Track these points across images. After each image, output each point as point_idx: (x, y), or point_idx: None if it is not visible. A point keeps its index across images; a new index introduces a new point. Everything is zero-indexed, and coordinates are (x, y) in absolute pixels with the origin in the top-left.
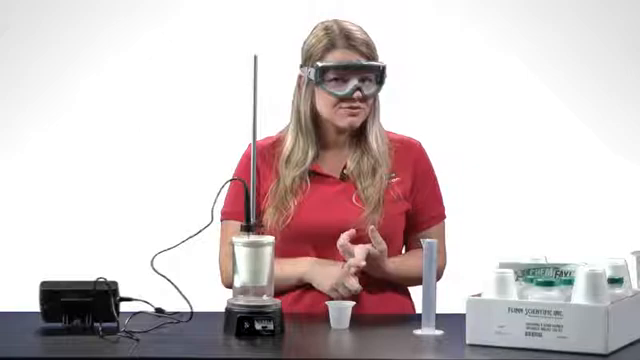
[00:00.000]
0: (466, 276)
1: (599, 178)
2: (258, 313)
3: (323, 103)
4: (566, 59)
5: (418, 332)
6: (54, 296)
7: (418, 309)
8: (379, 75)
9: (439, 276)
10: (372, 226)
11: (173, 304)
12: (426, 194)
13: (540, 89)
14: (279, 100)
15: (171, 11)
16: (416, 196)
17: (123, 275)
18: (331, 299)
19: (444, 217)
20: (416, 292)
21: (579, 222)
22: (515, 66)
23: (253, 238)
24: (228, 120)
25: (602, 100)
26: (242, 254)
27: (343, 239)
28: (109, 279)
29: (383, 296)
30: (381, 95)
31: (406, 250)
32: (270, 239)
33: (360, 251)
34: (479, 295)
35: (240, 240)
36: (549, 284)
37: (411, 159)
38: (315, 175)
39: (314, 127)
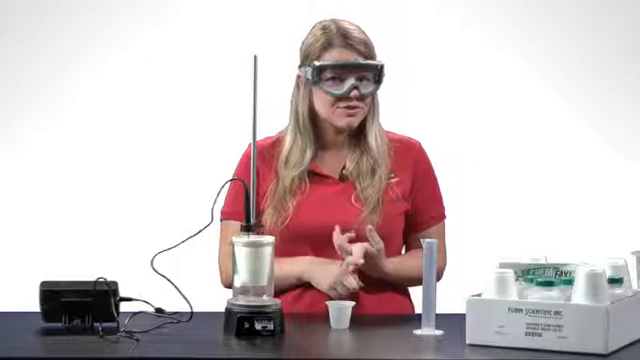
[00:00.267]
0: (466, 276)
1: (599, 178)
2: (258, 313)
3: (321, 103)
4: (566, 59)
5: (418, 332)
6: (54, 296)
7: (418, 309)
8: (377, 74)
9: (439, 276)
10: (370, 225)
11: (173, 304)
12: (426, 194)
13: (540, 89)
14: (279, 100)
15: (171, 11)
16: (416, 196)
17: (123, 275)
18: (331, 298)
19: (444, 217)
20: (416, 292)
21: (579, 222)
22: (515, 66)
23: (253, 238)
24: (228, 120)
25: (602, 100)
26: (242, 254)
27: (341, 239)
28: (109, 279)
29: (382, 296)
30: (380, 95)
31: (406, 250)
32: (270, 239)
33: (358, 249)
34: (479, 295)
35: (240, 240)
36: (549, 284)
37: (411, 159)
38: (314, 175)
39: (312, 127)
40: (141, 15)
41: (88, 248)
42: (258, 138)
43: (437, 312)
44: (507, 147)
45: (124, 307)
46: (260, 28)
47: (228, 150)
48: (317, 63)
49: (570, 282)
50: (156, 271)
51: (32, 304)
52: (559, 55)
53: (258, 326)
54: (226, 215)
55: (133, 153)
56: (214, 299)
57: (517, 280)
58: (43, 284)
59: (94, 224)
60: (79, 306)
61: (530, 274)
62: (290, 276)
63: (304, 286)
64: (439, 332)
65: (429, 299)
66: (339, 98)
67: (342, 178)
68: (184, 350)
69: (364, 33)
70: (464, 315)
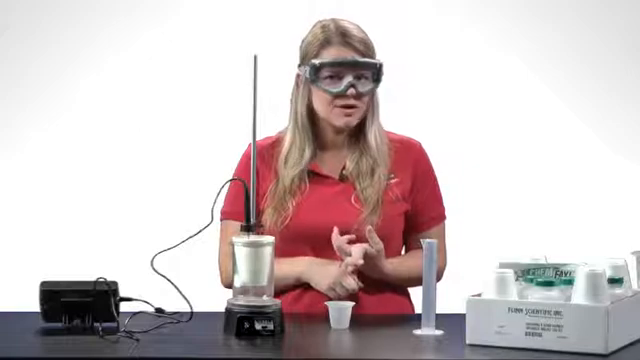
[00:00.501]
0: (466, 276)
1: (599, 178)
2: (258, 313)
3: (319, 101)
4: (566, 59)
5: (418, 332)
6: (54, 296)
7: (417, 309)
8: (375, 73)
9: (439, 277)
10: (369, 226)
11: (173, 304)
12: (426, 194)
13: (540, 89)
14: (279, 100)
15: (171, 11)
16: (416, 196)
17: (123, 275)
18: (330, 299)
19: (444, 218)
20: (416, 292)
21: (579, 222)
22: (515, 66)
23: (253, 238)
24: (228, 120)
25: (602, 100)
26: (242, 254)
27: (340, 240)
28: (109, 279)
29: (382, 296)
30: (380, 95)
31: (406, 251)
32: (270, 239)
33: (357, 250)
34: (479, 295)
35: (240, 240)
36: (549, 284)
37: (411, 159)
38: (314, 176)
39: (311, 126)
40: (141, 15)
41: (88, 248)
42: (258, 138)
43: (437, 312)
44: (507, 147)
45: (124, 307)
46: (260, 28)
47: (228, 150)
48: (315, 61)
49: (570, 282)
50: (156, 271)
51: (32, 304)
52: (559, 55)
53: (258, 326)
54: (226, 215)
55: (133, 153)
56: (214, 299)
57: (517, 280)
58: (43, 284)
59: (94, 224)
60: (79, 306)
61: (530, 274)
62: (289, 276)
63: (303, 287)
64: (439, 332)
65: (429, 299)
66: (336, 96)
67: (342, 178)
68: (184, 350)
69: (364, 32)
70: (464, 315)
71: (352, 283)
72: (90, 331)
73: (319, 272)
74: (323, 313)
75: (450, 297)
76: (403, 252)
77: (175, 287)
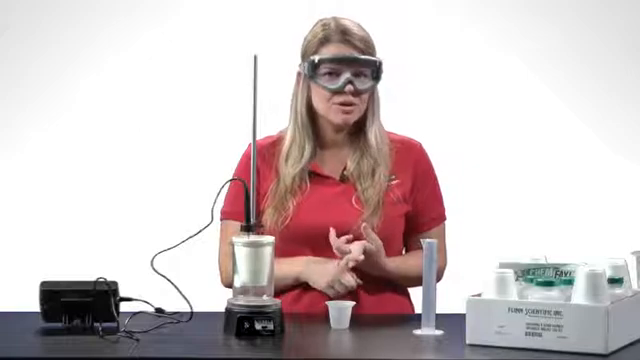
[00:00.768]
0: (466, 276)
1: (599, 178)
2: (258, 313)
3: (318, 98)
4: (566, 59)
5: (418, 332)
6: (54, 296)
7: (417, 309)
8: (375, 71)
9: (439, 277)
10: (364, 223)
11: (173, 304)
12: (426, 195)
13: (540, 89)
14: (279, 100)
15: (171, 11)
16: (416, 197)
17: (123, 275)
18: (330, 299)
19: (444, 218)
20: (416, 292)
21: (579, 222)
22: (515, 66)
23: (253, 238)
24: (228, 120)
25: (602, 100)
26: (242, 254)
27: (338, 242)
28: (109, 279)
29: (382, 296)
30: (381, 95)
31: (406, 252)
32: (270, 239)
33: (356, 247)
34: (479, 295)
35: (240, 240)
36: (549, 284)
37: (411, 160)
38: (315, 176)
39: (311, 124)
40: (141, 15)
41: (88, 248)
42: (258, 138)
43: (437, 312)
44: (507, 147)
45: (124, 307)
46: (260, 28)
47: (228, 150)
48: (313, 57)
49: (570, 282)
50: (156, 271)
51: (32, 304)
52: (559, 55)
53: (258, 326)
54: (226, 215)
55: (133, 153)
56: (214, 299)
57: (517, 280)
58: (43, 284)
59: (94, 224)
60: (79, 306)
61: (530, 274)
62: (288, 276)
63: (303, 287)
64: (439, 332)
65: (429, 299)
66: (335, 93)
67: (343, 179)
68: (184, 350)
69: (365, 31)
70: (464, 315)
71: (351, 280)
72: (90, 331)
73: (317, 271)
74: (323, 313)
75: (450, 297)
76: (403, 253)
77: (175, 287)
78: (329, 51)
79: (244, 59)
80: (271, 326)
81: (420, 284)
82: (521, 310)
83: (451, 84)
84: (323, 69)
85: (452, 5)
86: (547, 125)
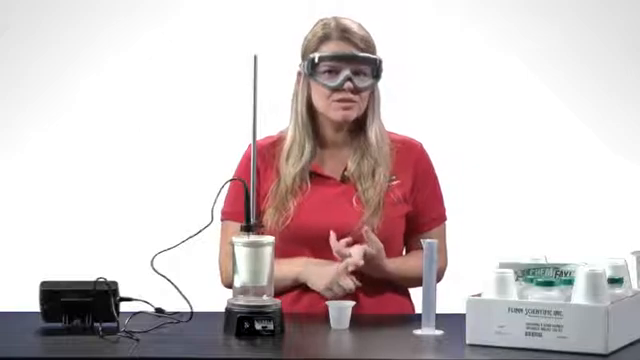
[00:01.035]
0: (466, 276)
1: (599, 178)
2: (258, 313)
3: (318, 96)
4: (566, 59)
5: (418, 332)
6: (54, 296)
7: (418, 309)
8: (375, 69)
9: (440, 277)
10: (366, 227)
11: (173, 304)
12: (427, 195)
13: (540, 89)
14: (279, 100)
15: (171, 11)
16: (417, 197)
17: (123, 275)
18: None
19: (445, 219)
20: (416, 293)
21: (579, 222)
22: (515, 66)
23: (253, 238)
24: (228, 120)
25: (602, 100)
26: (242, 254)
27: (339, 245)
28: (109, 279)
29: (382, 296)
30: (381, 95)
31: (406, 252)
32: (270, 239)
33: (357, 251)
34: (479, 295)
35: (240, 240)
36: (549, 284)
37: (412, 160)
38: (316, 176)
39: (311, 122)
40: (141, 15)
41: (88, 248)
42: (258, 138)
43: (437, 312)
44: (507, 147)
45: (124, 307)
46: (260, 28)
47: (228, 150)
48: (313, 55)
49: (570, 282)
50: (156, 271)
51: (32, 304)
52: (559, 55)
53: (258, 326)
54: (226, 215)
55: (133, 153)
56: (214, 299)
57: (517, 280)
58: (43, 284)
59: (94, 224)
60: (79, 306)
61: (530, 274)
62: (287, 277)
63: (302, 288)
64: (439, 332)
65: (429, 299)
66: (334, 90)
67: (343, 179)
68: (184, 350)
69: (365, 30)
70: (464, 315)
71: (349, 283)
72: (90, 331)
73: (316, 272)
74: (323, 313)
75: (450, 297)
76: (404, 253)
77: (175, 287)
78: (329, 49)
79: (244, 59)
80: (271, 326)
81: (420, 284)
82: (521, 310)
83: (451, 84)
84: (323, 67)
85: (452, 5)
86: (547, 125)
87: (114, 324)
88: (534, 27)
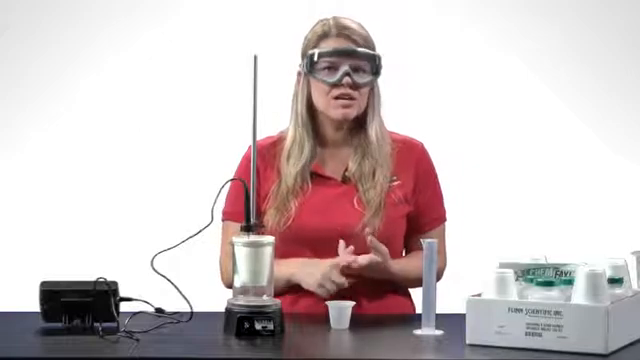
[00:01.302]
0: (466, 276)
1: (599, 178)
2: (258, 313)
3: (317, 93)
4: (566, 59)
5: (418, 332)
6: (54, 296)
7: (418, 309)
8: (374, 65)
9: (439, 277)
10: (370, 236)
11: (173, 304)
12: (428, 195)
13: (540, 89)
14: (279, 100)
15: (171, 11)
16: (418, 197)
17: (123, 275)
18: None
19: (445, 219)
20: (416, 293)
21: (579, 222)
22: (515, 66)
23: (253, 238)
24: (228, 120)
25: (602, 100)
26: (242, 254)
27: (347, 255)
28: (109, 279)
29: (383, 296)
30: (381, 95)
31: (406, 253)
32: (270, 239)
33: (363, 262)
34: (479, 295)
35: (240, 240)
36: (549, 284)
37: (413, 160)
38: (317, 177)
39: (311, 121)
40: (141, 15)
41: (88, 248)
42: (258, 138)
43: (437, 312)
44: (507, 147)
45: (124, 307)
46: (260, 28)
47: (228, 150)
48: (312, 51)
49: (570, 282)
50: (156, 271)
51: (32, 304)
52: (559, 55)
53: (258, 326)
54: (227, 216)
55: (133, 153)
56: (214, 299)
57: (517, 280)
58: (43, 284)
59: (94, 224)
60: (79, 306)
61: (530, 274)
62: (280, 278)
63: (302, 289)
64: (439, 332)
65: (429, 299)
66: (333, 86)
67: (344, 180)
68: (184, 350)
69: (364, 29)
70: (464, 315)
71: (341, 278)
72: (90, 331)
73: (308, 271)
74: (323, 313)
75: (450, 297)
76: (404, 254)
77: (175, 287)
78: (328, 45)
79: (244, 59)
80: (271, 326)
81: (421, 285)
82: (521, 310)
83: (451, 84)
84: (322, 63)
85: (452, 5)
86: (547, 125)
87: (114, 324)
88: (534, 27)
